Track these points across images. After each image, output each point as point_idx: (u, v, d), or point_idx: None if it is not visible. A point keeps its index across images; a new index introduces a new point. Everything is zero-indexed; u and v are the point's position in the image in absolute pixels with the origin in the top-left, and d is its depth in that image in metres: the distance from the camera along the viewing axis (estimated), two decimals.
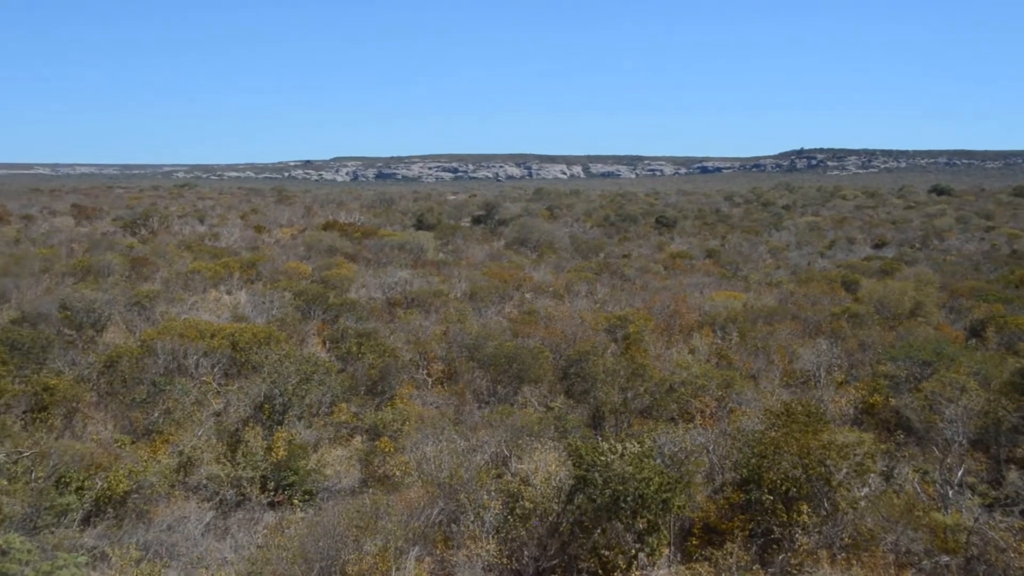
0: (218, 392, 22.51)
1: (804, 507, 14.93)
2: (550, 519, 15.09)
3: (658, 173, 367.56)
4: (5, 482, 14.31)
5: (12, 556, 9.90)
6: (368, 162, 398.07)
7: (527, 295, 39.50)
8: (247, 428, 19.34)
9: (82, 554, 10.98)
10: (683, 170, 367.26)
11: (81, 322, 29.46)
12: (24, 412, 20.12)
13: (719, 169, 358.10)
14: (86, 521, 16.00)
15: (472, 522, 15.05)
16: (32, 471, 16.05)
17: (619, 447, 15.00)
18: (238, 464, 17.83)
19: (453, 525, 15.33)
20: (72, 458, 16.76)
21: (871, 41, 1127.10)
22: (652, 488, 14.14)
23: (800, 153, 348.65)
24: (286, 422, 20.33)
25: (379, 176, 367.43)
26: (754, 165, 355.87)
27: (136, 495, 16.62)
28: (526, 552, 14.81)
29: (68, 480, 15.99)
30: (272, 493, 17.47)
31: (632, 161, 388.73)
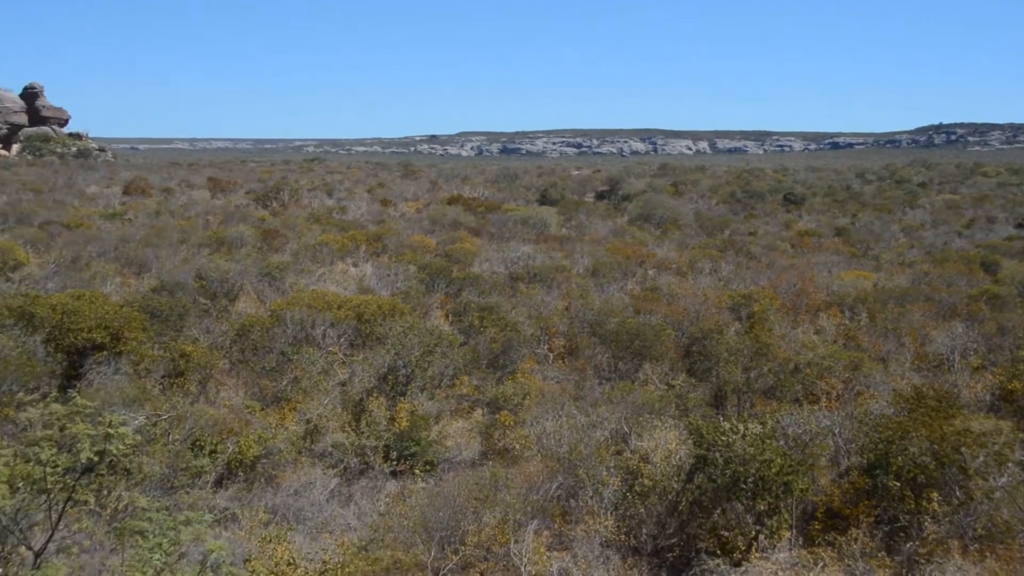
0: (344, 362, 23.01)
1: (934, 495, 14.40)
2: (669, 497, 14.96)
3: (787, 149, 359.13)
4: (139, 439, 14.90)
5: (138, 515, 10.31)
6: (493, 137, 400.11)
7: (650, 272, 39.15)
8: (371, 398, 19.72)
9: (209, 513, 11.36)
10: (813, 146, 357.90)
11: (215, 291, 30.48)
12: (162, 377, 20.96)
13: (851, 145, 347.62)
14: (218, 483, 16.60)
15: (591, 498, 15.03)
16: (169, 434, 16.72)
17: (741, 427, 14.74)
18: (362, 433, 18.21)
19: (571, 500, 15.34)
20: (206, 422, 17.38)
21: (1017, 5, 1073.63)
22: (774, 470, 13.84)
23: (938, 128, 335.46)
24: (409, 393, 20.65)
25: (503, 151, 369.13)
26: (888, 141, 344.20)
27: (265, 460, 17.14)
28: (644, 530, 14.72)
29: (202, 444, 16.60)
30: (394, 462, 17.79)
31: (760, 137, 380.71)
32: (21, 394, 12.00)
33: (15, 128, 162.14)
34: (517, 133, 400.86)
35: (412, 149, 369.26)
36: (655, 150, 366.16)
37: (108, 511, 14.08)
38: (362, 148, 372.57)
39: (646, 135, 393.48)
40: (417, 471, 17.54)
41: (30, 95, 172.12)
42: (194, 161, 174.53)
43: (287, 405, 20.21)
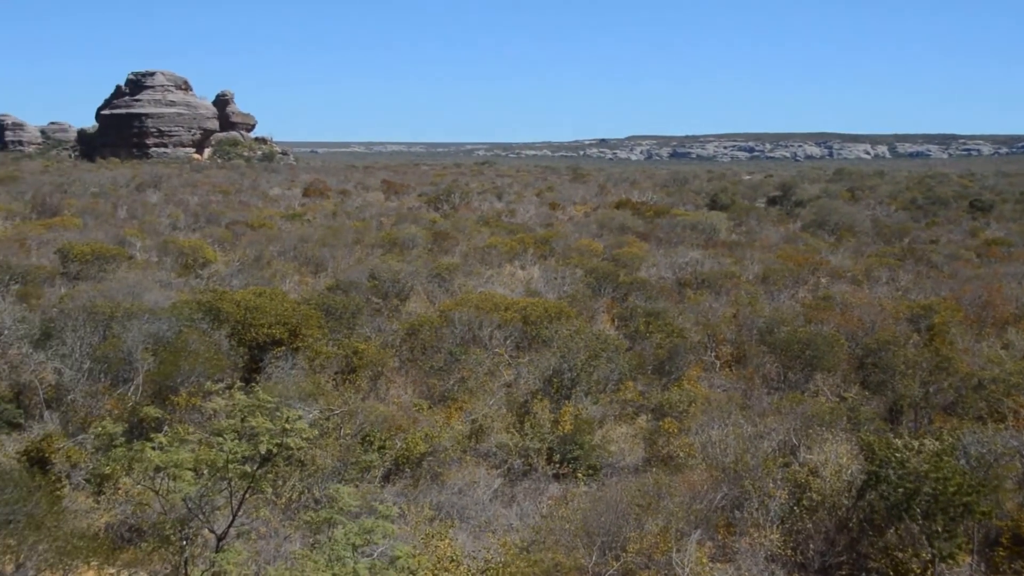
0: (509, 364, 23.25)
1: None
2: (839, 514, 14.45)
3: (974, 153, 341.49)
4: (315, 433, 15.44)
5: (337, 505, 10.72)
6: (662, 141, 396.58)
7: (823, 280, 37.94)
8: (535, 400, 19.85)
9: (391, 505, 11.70)
10: (1004, 149, 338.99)
11: (387, 291, 31.31)
12: (336, 373, 21.68)
13: None
14: (386, 478, 17.04)
15: (756, 510, 14.67)
16: (341, 428, 17.28)
17: (916, 444, 14.09)
18: (526, 435, 18.34)
19: (736, 511, 15.01)
20: (376, 419, 17.87)
21: None
22: (951, 489, 13.15)
23: None
24: (573, 397, 20.68)
25: (673, 155, 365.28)
26: None
27: (431, 458, 17.48)
28: (812, 545, 14.27)
29: (372, 439, 17.08)
30: (557, 465, 17.83)
31: (944, 140, 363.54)
32: (210, 384, 12.66)
33: (207, 133, 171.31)
34: (687, 137, 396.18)
35: (581, 153, 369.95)
36: (831, 154, 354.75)
37: (283, 500, 14.69)
38: (532, 152, 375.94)
39: (821, 139, 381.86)
40: (580, 475, 17.53)
41: (221, 102, 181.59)
42: (369, 164, 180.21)
43: (453, 404, 20.54)
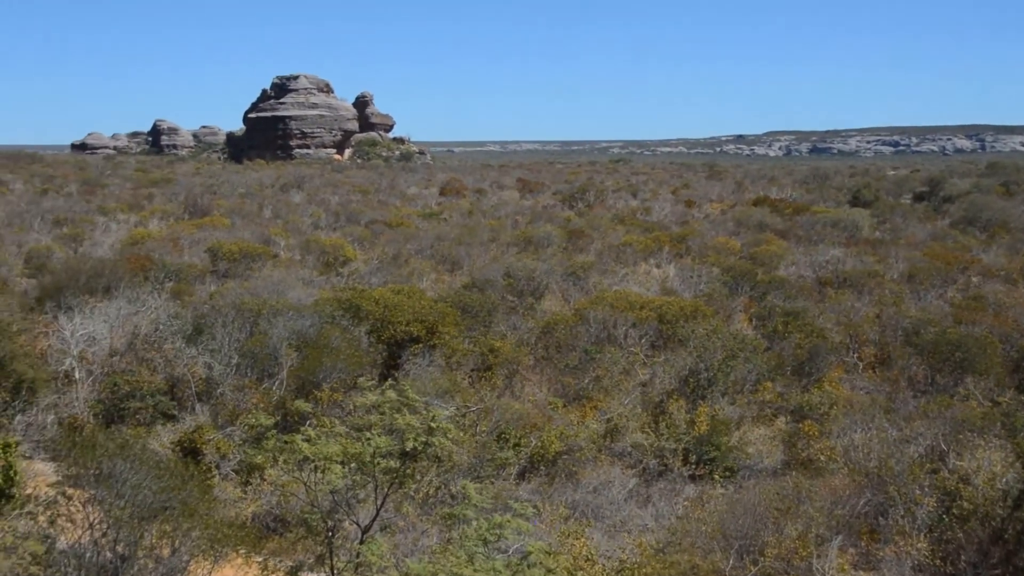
0: (644, 363, 23.09)
1: None
2: (993, 524, 13.82)
3: None
4: (460, 433, 15.68)
5: (466, 502, 10.86)
6: (802, 136, 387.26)
7: (974, 279, 36.38)
8: (671, 400, 19.66)
9: (528, 505, 11.79)
10: None
11: (522, 289, 31.50)
12: (472, 370, 21.95)
13: None
14: (521, 476, 17.15)
15: (902, 517, 14.17)
16: (477, 425, 17.49)
17: None
18: (661, 435, 18.19)
19: (880, 518, 14.54)
20: (511, 416, 18.01)
21: None
22: None
23: None
24: (709, 397, 20.41)
25: (813, 151, 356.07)
26: None
27: (566, 456, 17.52)
28: (963, 556, 13.69)
29: (507, 436, 17.23)
30: (693, 466, 17.63)
31: None
32: (362, 380, 12.98)
33: (348, 134, 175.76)
34: (828, 132, 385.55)
35: (718, 150, 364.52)
36: (983, 148, 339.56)
37: (420, 495, 14.94)
38: (667, 149, 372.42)
39: (972, 131, 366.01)
40: (716, 476, 17.29)
41: (361, 103, 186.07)
42: (505, 163, 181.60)
43: (588, 403, 20.53)
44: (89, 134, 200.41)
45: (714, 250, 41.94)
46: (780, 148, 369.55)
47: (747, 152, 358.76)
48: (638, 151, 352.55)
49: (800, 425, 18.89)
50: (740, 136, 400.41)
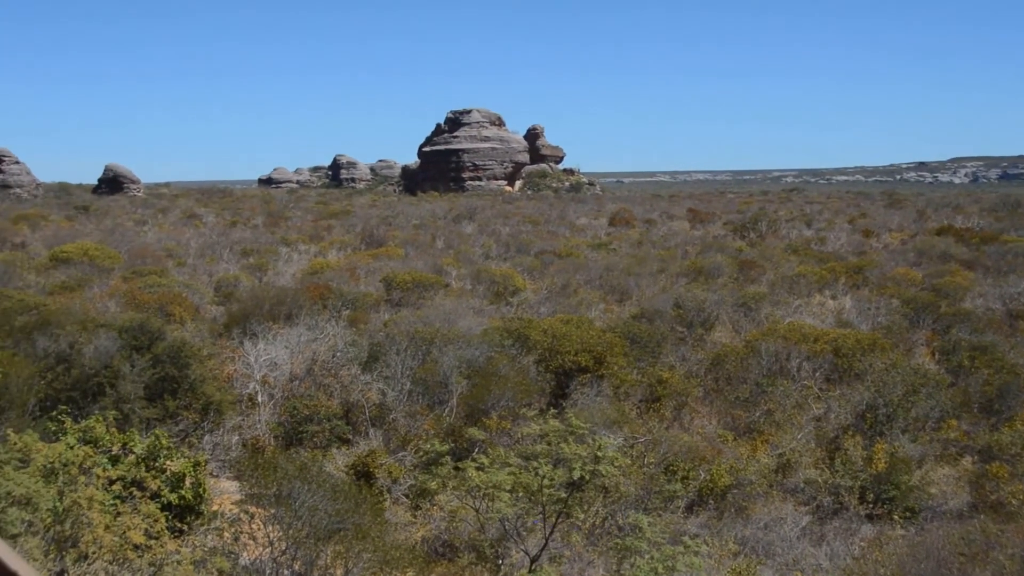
0: (819, 397, 22.40)
1: None
2: None
3: None
4: (628, 462, 15.60)
5: (640, 535, 10.79)
6: (991, 162, 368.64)
7: None
8: (847, 436, 18.98)
9: (699, 541, 11.61)
10: None
11: (691, 320, 31.12)
12: (640, 401, 21.80)
13: None
14: (689, 509, 16.88)
15: None
16: (644, 456, 17.33)
17: None
18: (836, 471, 17.57)
19: None
20: (680, 448, 17.77)
21: None
22: None
23: None
24: (888, 434, 19.59)
25: (1003, 177, 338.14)
26: None
27: (736, 490, 17.14)
28: None
29: (675, 469, 17.00)
30: (871, 505, 16.94)
31: None
32: (525, 409, 13.13)
33: (518, 166, 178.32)
34: (1020, 157, 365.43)
35: (897, 177, 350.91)
36: None
37: (586, 525, 14.91)
38: (843, 177, 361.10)
39: None
40: (896, 517, 16.55)
41: (532, 135, 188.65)
42: (675, 193, 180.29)
43: (759, 437, 20.06)
44: (274, 169, 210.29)
45: (893, 281, 40.36)
46: (966, 175, 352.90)
47: (929, 179, 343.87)
48: (812, 180, 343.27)
49: (988, 466, 17.86)
50: (922, 163, 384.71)
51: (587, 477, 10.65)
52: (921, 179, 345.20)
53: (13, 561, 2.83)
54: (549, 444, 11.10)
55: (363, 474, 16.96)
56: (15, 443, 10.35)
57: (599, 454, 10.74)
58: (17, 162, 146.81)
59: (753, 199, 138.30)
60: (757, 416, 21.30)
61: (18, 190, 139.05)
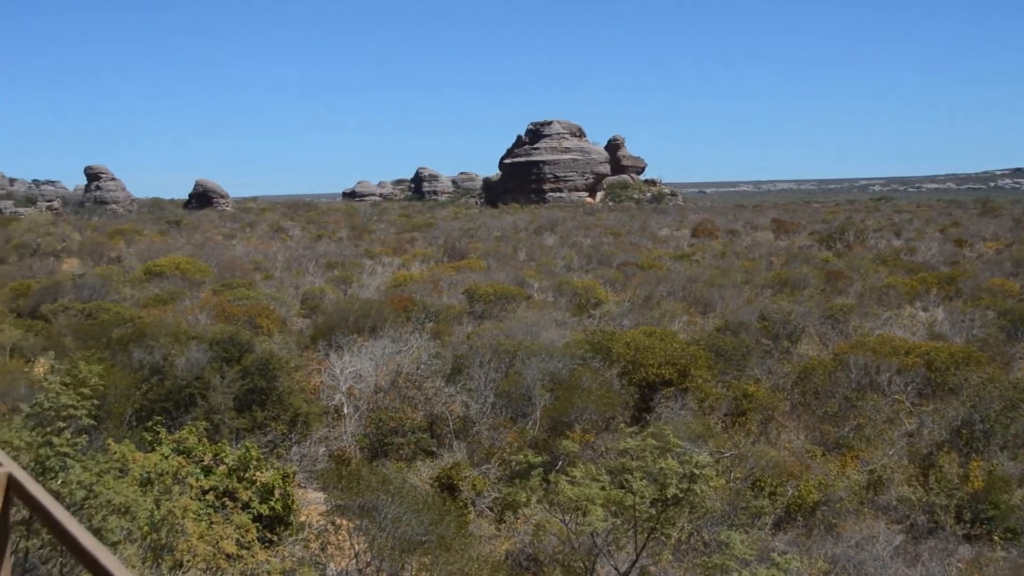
0: (911, 412, 21.83)
1: None
2: None
3: None
4: (722, 482, 15.38)
5: (730, 552, 10.62)
6: None
7: None
8: (941, 453, 18.45)
9: (789, 558, 11.36)
10: None
11: (777, 332, 30.61)
12: (725, 415, 21.51)
13: None
14: (776, 526, 16.57)
15: None
16: (730, 471, 17.08)
17: None
18: (931, 489, 17.09)
19: None
20: (766, 463, 17.49)
21: None
22: None
23: None
24: (986, 451, 18.97)
25: None
26: None
27: (825, 507, 16.78)
28: None
29: (762, 484, 16.72)
30: (968, 525, 16.41)
31: None
32: (623, 425, 13.04)
33: (599, 177, 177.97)
34: None
35: (992, 184, 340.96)
36: None
37: (672, 540, 14.74)
38: (933, 185, 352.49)
39: None
40: (996, 538, 16.00)
41: (613, 146, 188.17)
42: (758, 203, 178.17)
43: (849, 452, 19.62)
44: (358, 182, 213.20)
45: (988, 292, 39.18)
46: None
47: None
48: (901, 188, 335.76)
49: None
50: (1018, 169, 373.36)
51: (681, 495, 10.50)
52: (1017, 186, 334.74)
53: (120, 572, 2.90)
54: (643, 460, 10.97)
55: (447, 487, 17.02)
56: (115, 453, 10.62)
57: (696, 471, 10.58)
58: (113, 179, 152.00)
59: (839, 208, 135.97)
60: (846, 431, 20.85)
61: (114, 206, 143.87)
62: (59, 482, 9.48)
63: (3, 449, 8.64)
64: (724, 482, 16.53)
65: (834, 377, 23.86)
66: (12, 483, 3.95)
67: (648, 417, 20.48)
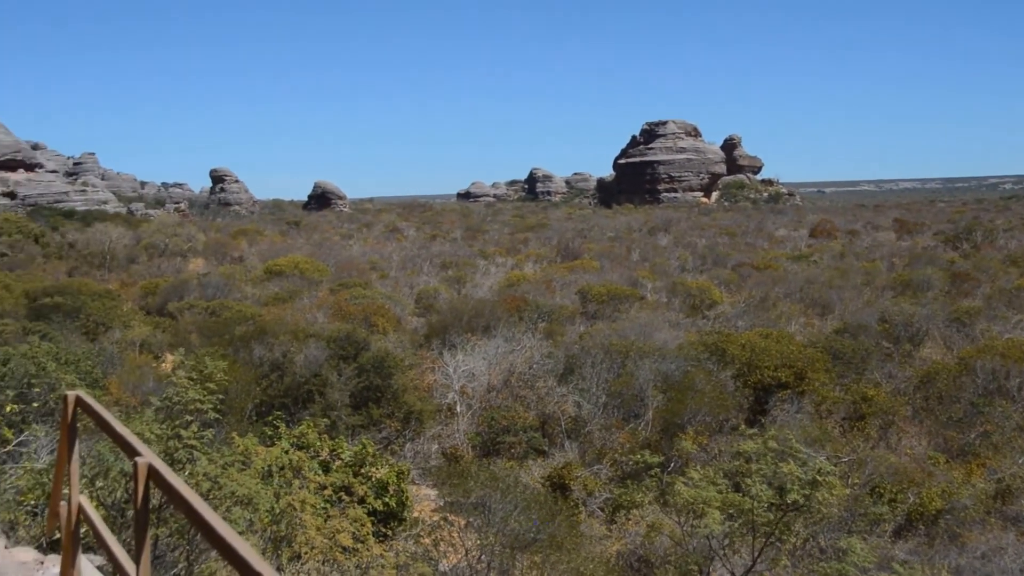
0: None
1: None
2: None
3: None
4: (845, 491, 15.04)
5: (849, 559, 10.40)
6: None
7: None
8: None
9: (910, 567, 11.06)
10: None
11: (899, 335, 29.75)
12: (843, 419, 21.02)
13: None
14: (897, 534, 16.12)
15: None
16: (848, 476, 16.68)
17: None
18: None
19: None
20: (886, 469, 17.03)
21: None
22: None
23: None
24: None
25: None
26: None
27: (948, 516, 16.25)
28: None
29: (882, 491, 16.28)
30: None
31: None
32: (743, 427, 12.89)
33: (715, 177, 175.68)
34: None
35: None
36: None
37: (787, 545, 14.48)
38: None
39: None
40: None
41: (729, 146, 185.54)
42: (880, 203, 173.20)
43: (975, 460, 18.94)
44: (472, 183, 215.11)
45: None
46: None
47: None
48: None
49: None
50: None
51: (802, 502, 10.30)
52: None
53: (257, 562, 3.03)
54: (762, 464, 10.79)
55: (559, 486, 17.07)
56: (238, 446, 10.98)
57: (818, 478, 10.36)
58: (236, 181, 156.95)
59: (966, 208, 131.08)
60: (972, 438, 20.14)
61: (237, 207, 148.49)
62: (186, 473, 9.85)
63: None
64: (845, 489, 16.18)
65: (959, 382, 23.08)
66: (152, 472, 4.16)
67: (763, 420, 20.15)
